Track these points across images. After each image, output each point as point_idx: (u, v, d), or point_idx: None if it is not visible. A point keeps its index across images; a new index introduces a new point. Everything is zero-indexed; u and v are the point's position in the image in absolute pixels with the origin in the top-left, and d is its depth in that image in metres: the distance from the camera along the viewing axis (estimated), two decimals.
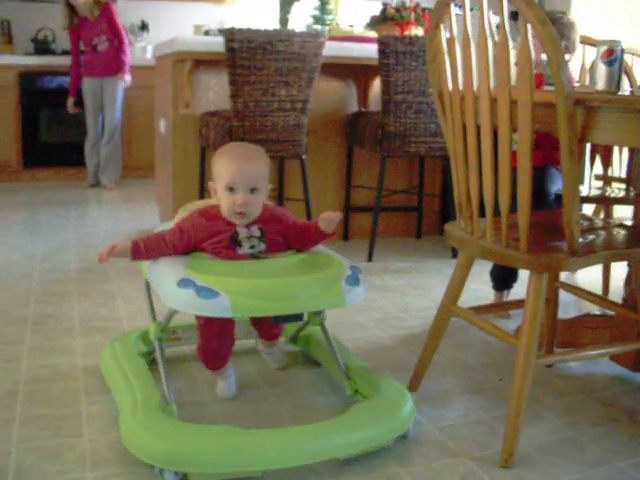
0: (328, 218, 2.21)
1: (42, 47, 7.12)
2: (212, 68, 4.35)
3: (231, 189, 2.13)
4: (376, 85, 4.63)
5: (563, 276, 3.68)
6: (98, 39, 6.35)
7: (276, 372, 2.69)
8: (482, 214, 2.16)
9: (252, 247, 2.18)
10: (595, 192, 3.63)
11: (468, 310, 2.40)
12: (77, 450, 2.08)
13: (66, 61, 6.68)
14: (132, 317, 3.18)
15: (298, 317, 2.09)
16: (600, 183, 3.91)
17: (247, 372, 2.67)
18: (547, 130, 1.99)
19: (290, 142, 3.99)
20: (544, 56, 3.02)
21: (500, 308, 2.81)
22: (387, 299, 3.56)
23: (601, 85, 2.22)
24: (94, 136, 6.66)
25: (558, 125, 1.85)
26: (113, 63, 6.41)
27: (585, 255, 2.02)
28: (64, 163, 7.05)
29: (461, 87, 2.14)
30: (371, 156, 4.60)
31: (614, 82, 2.22)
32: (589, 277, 3.99)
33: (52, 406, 2.34)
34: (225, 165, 2.15)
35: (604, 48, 2.21)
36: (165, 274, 2.09)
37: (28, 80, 6.76)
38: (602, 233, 2.32)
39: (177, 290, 1.97)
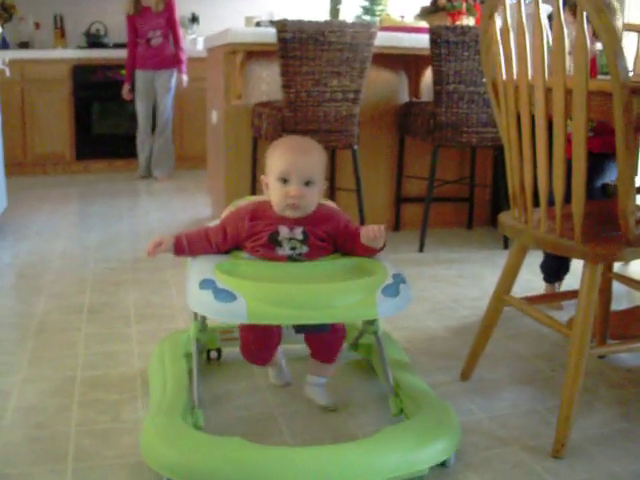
0: (371, 235, 2.05)
1: (94, 41, 7.22)
2: (264, 59, 4.38)
3: (284, 180, 2.02)
4: (427, 75, 4.61)
5: (615, 267, 3.66)
6: (153, 33, 6.35)
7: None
8: (536, 204, 2.16)
9: (293, 249, 2.07)
10: None
11: (521, 300, 2.39)
12: (134, 435, 2.12)
13: (118, 54, 6.77)
14: (185, 306, 3.21)
15: (322, 328, 1.98)
16: None
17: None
18: (603, 119, 1.99)
19: (342, 132, 4.00)
20: (598, 45, 3.00)
21: (552, 299, 2.81)
22: (439, 289, 3.56)
23: None
24: (145, 129, 6.66)
25: (614, 114, 1.84)
26: (166, 57, 6.42)
27: (638, 245, 2.01)
28: (116, 155, 7.14)
29: (515, 77, 2.13)
30: (423, 146, 4.59)
31: None
32: None
33: (109, 391, 2.40)
34: (279, 156, 2.05)
35: None
36: (193, 273, 2.02)
37: (81, 73, 6.85)
38: None
39: (197, 291, 1.90)
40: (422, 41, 4.23)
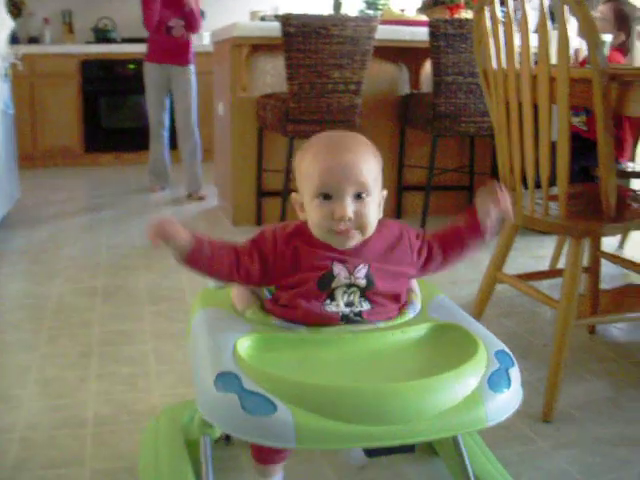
0: (501, 206, 1.55)
1: (102, 36, 7.35)
2: (268, 52, 4.51)
3: (325, 196, 1.43)
4: (427, 67, 4.74)
5: (611, 250, 3.78)
6: (176, 21, 5.40)
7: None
8: (527, 186, 2.30)
9: (350, 305, 1.47)
10: None
11: (512, 277, 2.53)
12: (148, 403, 2.27)
13: (126, 49, 6.92)
14: (195, 289, 3.35)
15: (407, 448, 1.37)
16: None
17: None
18: (585, 105, 2.12)
19: (344, 123, 4.13)
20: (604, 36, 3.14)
21: (542, 276, 2.93)
22: (438, 273, 3.67)
23: (639, 61, 2.34)
24: (157, 132, 5.77)
25: (594, 100, 1.98)
26: (185, 51, 5.54)
27: (622, 221, 2.15)
28: (123, 148, 7.26)
29: (504, 66, 2.27)
30: (423, 136, 4.71)
31: None
32: (638, 251, 4.07)
33: (124, 365, 2.54)
34: (313, 161, 1.45)
35: None
36: (202, 356, 1.41)
37: (89, 68, 6.98)
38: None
39: (213, 392, 1.27)
40: (422, 34, 4.35)
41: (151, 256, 3.89)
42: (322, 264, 1.46)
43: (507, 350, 1.43)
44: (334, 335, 1.43)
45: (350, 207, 1.42)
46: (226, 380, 1.27)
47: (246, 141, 4.56)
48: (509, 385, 1.34)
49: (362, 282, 1.47)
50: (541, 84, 2.08)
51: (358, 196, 1.43)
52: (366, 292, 1.47)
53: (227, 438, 1.99)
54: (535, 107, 2.15)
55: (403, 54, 4.80)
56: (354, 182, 1.42)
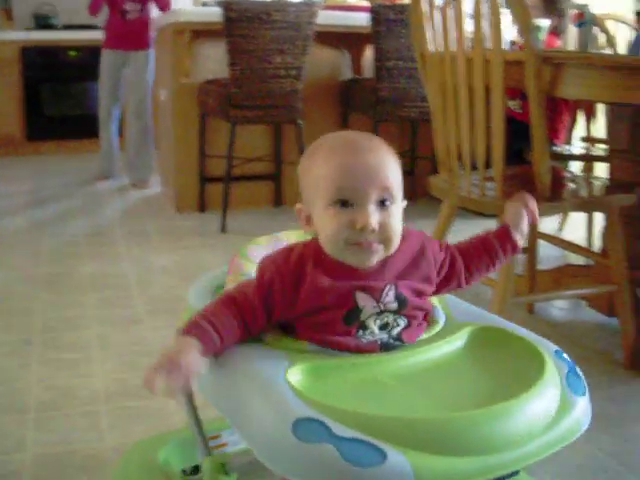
0: (531, 215, 1.45)
1: (43, 22, 7.23)
2: (210, 38, 4.50)
3: (343, 203, 1.20)
4: (369, 53, 4.77)
5: (552, 232, 3.84)
6: (133, 5, 5.21)
7: None
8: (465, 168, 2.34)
9: (384, 328, 1.27)
10: (581, 151, 3.84)
11: None
12: (91, 388, 2.27)
13: (67, 36, 6.84)
14: (141, 276, 3.35)
15: (514, 473, 1.16)
16: (587, 144, 4.09)
17: None
18: (518, 87, 2.16)
19: (286, 107, 4.15)
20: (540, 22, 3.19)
21: None
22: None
23: (572, 45, 2.39)
24: (107, 122, 5.61)
25: (526, 81, 2.02)
26: (142, 36, 5.33)
27: (557, 201, 2.20)
28: (67, 136, 7.18)
29: (440, 49, 2.30)
30: (365, 121, 4.74)
31: (584, 42, 2.39)
32: (577, 234, 4.14)
33: (67, 351, 2.54)
34: (328, 161, 1.23)
35: (575, 12, 2.39)
36: (251, 391, 1.17)
37: (30, 55, 6.87)
38: (577, 185, 2.51)
39: (294, 442, 1.05)
40: (364, 19, 4.37)
41: (94, 243, 3.87)
42: (343, 300, 1.23)
43: (560, 349, 1.31)
44: (386, 355, 1.25)
45: (374, 216, 1.20)
46: (309, 428, 1.05)
47: (188, 127, 4.55)
48: (583, 385, 1.25)
49: (393, 306, 1.26)
50: (476, 67, 2.12)
51: (382, 203, 1.21)
52: (399, 312, 1.27)
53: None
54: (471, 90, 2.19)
55: (345, 39, 4.82)
56: (379, 186, 1.20)
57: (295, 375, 1.16)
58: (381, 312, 1.25)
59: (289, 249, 1.30)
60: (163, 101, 4.99)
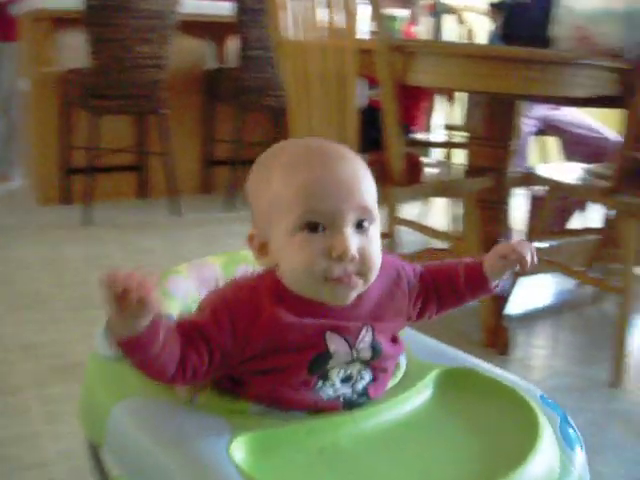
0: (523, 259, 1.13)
1: None
2: (72, 26, 4.39)
3: (313, 227, 0.98)
4: (233, 42, 4.77)
5: (414, 218, 3.93)
6: None
7: None
8: None
9: (347, 380, 1.06)
10: (441, 138, 3.96)
11: None
12: None
13: None
14: (0, 271, 3.29)
15: None
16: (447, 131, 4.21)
17: None
18: (371, 74, 2.21)
19: (149, 97, 4.11)
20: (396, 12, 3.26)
21: None
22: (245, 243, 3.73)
23: (425, 34, 2.46)
24: None
25: (378, 69, 2.07)
26: (9, 25, 4.86)
27: (411, 186, 2.26)
28: None
29: (296, 38, 2.33)
30: (230, 111, 4.74)
31: (436, 31, 2.46)
32: (442, 220, 4.24)
33: None
34: (290, 176, 1.01)
35: (427, 3, 2.45)
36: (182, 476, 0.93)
37: None
38: (436, 170, 2.59)
39: None
40: (228, 9, 4.37)
41: None
42: (312, 340, 1.01)
43: (544, 394, 1.16)
44: (347, 416, 1.04)
45: (353, 241, 0.98)
46: None
47: (50, 118, 4.44)
48: (577, 435, 1.10)
49: (367, 355, 1.06)
50: (330, 55, 2.16)
51: (359, 225, 1.00)
52: (370, 363, 1.07)
53: None
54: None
55: (210, 29, 4.80)
56: (355, 205, 0.99)
57: (239, 450, 0.95)
58: (351, 361, 1.04)
59: (238, 283, 1.07)
60: (25, 91, 4.87)
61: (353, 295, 1.01)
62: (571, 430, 1.09)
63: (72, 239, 3.74)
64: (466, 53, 2.10)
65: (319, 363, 1.02)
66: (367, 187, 1.02)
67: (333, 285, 0.98)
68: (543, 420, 1.04)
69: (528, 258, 1.12)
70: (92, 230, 3.92)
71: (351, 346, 1.03)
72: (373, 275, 1.01)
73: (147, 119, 4.61)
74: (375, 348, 1.05)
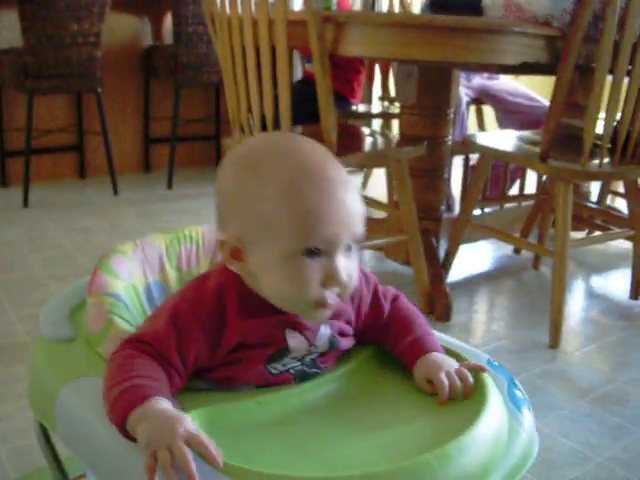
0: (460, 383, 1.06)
1: None
2: (4, 5, 4.34)
3: (312, 253, 0.98)
4: (169, 19, 4.73)
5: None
6: None
7: None
8: (255, 127, 2.38)
9: (299, 358, 1.08)
10: (378, 110, 3.99)
11: None
12: None
13: None
14: None
15: None
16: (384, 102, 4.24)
17: None
18: (304, 46, 2.22)
19: (84, 76, 4.05)
20: None
21: None
22: (187, 220, 3.74)
23: (358, 6, 2.47)
24: None
25: (309, 41, 2.08)
26: None
27: (347, 156, 2.28)
28: None
29: (228, 11, 2.33)
30: (167, 88, 4.72)
31: (369, 3, 2.47)
32: (381, 190, 4.27)
33: None
34: (289, 200, 0.98)
35: None
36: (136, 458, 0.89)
37: None
38: (371, 140, 2.61)
39: None
40: None
41: None
42: (272, 337, 1.05)
43: (490, 358, 1.17)
44: (295, 388, 1.06)
45: (343, 267, 1.00)
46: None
47: None
48: (524, 397, 1.11)
49: (324, 348, 1.10)
50: (261, 28, 2.16)
51: (348, 247, 1.02)
52: (325, 353, 1.11)
53: None
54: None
55: (145, 5, 4.75)
56: (351, 232, 1.00)
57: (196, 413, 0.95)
58: (307, 354, 1.08)
59: (201, 281, 1.08)
60: None
61: (329, 314, 1.04)
62: (518, 392, 1.10)
63: (10, 221, 3.69)
64: (395, 22, 2.12)
65: (276, 358, 1.05)
66: (362, 212, 1.02)
67: (320, 309, 1.01)
68: (490, 383, 1.05)
69: (446, 393, 1.04)
70: (30, 212, 3.88)
71: (310, 342, 1.07)
72: (349, 293, 1.04)
73: (84, 98, 4.56)
74: (333, 342, 1.09)
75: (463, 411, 1.00)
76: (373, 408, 1.05)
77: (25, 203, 3.95)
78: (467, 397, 1.04)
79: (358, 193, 1.02)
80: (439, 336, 1.20)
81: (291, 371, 1.07)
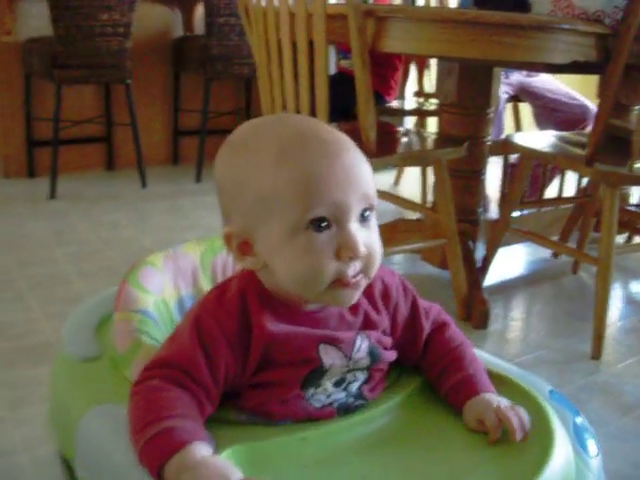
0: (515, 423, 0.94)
1: None
2: None
3: (319, 223, 0.89)
4: (200, 9, 4.66)
5: (386, 188, 3.87)
6: None
7: None
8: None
9: (339, 384, 0.98)
10: (414, 106, 3.91)
11: None
12: None
13: None
14: None
15: None
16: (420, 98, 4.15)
17: None
18: (342, 41, 2.14)
19: (114, 67, 3.99)
20: None
21: None
22: (217, 215, 3.66)
23: (399, 0, 2.39)
24: None
25: (350, 35, 1.99)
26: None
27: (384, 156, 2.20)
28: None
29: (263, 3, 2.25)
30: (197, 80, 4.65)
31: None
32: (414, 190, 4.19)
33: None
34: (283, 169, 0.90)
35: None
36: None
37: None
38: (408, 139, 2.52)
39: None
40: None
41: None
42: (305, 354, 0.95)
43: (553, 388, 1.08)
44: (342, 422, 0.96)
45: (360, 236, 0.90)
46: None
47: (12, 89, 4.31)
48: (592, 434, 1.02)
49: (365, 362, 0.99)
50: (298, 21, 2.08)
51: (362, 216, 0.92)
52: (369, 369, 1.01)
53: None
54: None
55: None
56: (361, 195, 0.91)
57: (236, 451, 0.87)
58: (348, 371, 0.98)
59: (222, 290, 0.99)
60: None
61: (357, 296, 0.94)
62: (585, 429, 1.01)
63: (37, 213, 3.64)
64: (440, 18, 2.03)
65: (313, 379, 0.95)
66: (369, 172, 0.93)
67: (340, 288, 0.91)
68: (556, 422, 0.95)
69: (498, 433, 0.95)
70: (57, 204, 3.82)
71: (347, 357, 0.97)
72: (375, 269, 0.94)
73: (113, 89, 4.50)
74: (373, 353, 0.99)
75: (527, 456, 0.89)
76: (424, 451, 0.94)
77: (52, 194, 3.90)
78: (524, 440, 0.92)
79: (363, 155, 0.94)
80: (495, 362, 1.10)
81: (335, 405, 0.98)
